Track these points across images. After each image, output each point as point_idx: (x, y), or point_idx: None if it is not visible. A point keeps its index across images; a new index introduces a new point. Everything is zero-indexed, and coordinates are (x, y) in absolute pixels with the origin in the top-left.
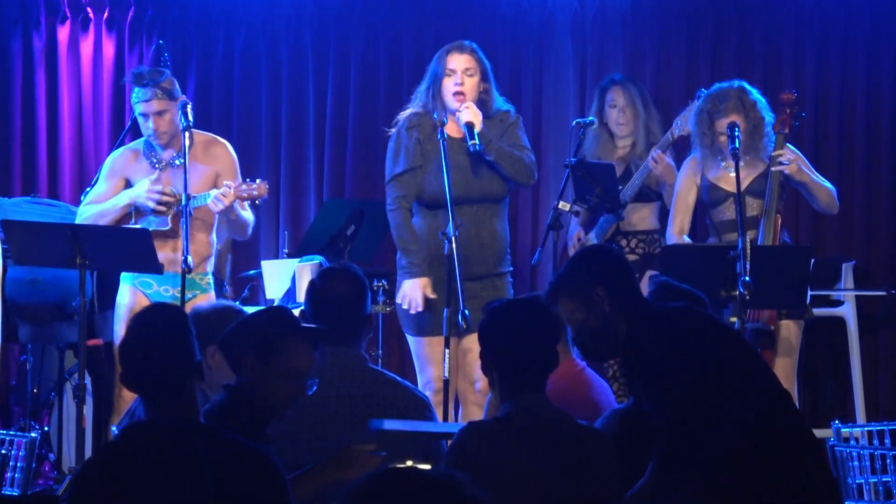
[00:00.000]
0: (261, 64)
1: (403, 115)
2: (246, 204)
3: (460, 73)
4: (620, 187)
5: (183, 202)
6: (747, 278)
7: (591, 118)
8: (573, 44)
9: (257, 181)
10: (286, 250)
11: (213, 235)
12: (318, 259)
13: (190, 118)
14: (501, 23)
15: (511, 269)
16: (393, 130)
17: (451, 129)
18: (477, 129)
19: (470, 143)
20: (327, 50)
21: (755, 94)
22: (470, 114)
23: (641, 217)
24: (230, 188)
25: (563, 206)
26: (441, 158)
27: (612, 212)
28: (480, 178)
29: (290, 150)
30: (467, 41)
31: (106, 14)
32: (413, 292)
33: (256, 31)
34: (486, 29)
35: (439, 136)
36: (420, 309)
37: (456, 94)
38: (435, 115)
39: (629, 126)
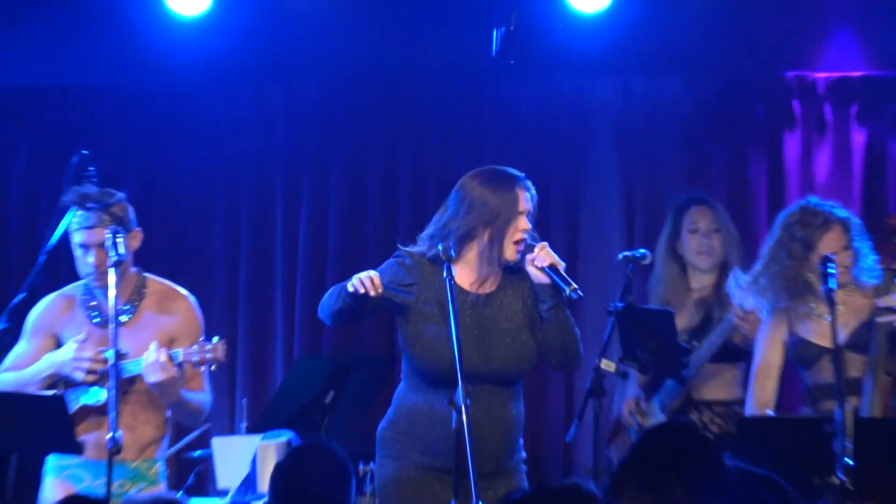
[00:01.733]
0: (216, 199)
1: (413, 249)
2: (204, 379)
3: (525, 214)
4: (694, 343)
5: (111, 361)
6: (849, 461)
7: (642, 251)
8: (618, 154)
9: (213, 340)
10: (245, 424)
11: (168, 412)
12: (286, 436)
13: (121, 250)
14: (520, 129)
15: (524, 455)
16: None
17: (462, 280)
18: (562, 269)
19: (569, 289)
20: (299, 181)
21: (854, 218)
22: (549, 255)
23: (720, 383)
24: (178, 353)
25: (607, 365)
26: (447, 309)
27: (671, 374)
28: (496, 350)
29: (250, 294)
30: (522, 173)
31: None
32: (364, 273)
33: (210, 162)
34: (497, 137)
35: (444, 276)
36: (379, 288)
37: (518, 242)
38: (440, 247)
39: (715, 257)
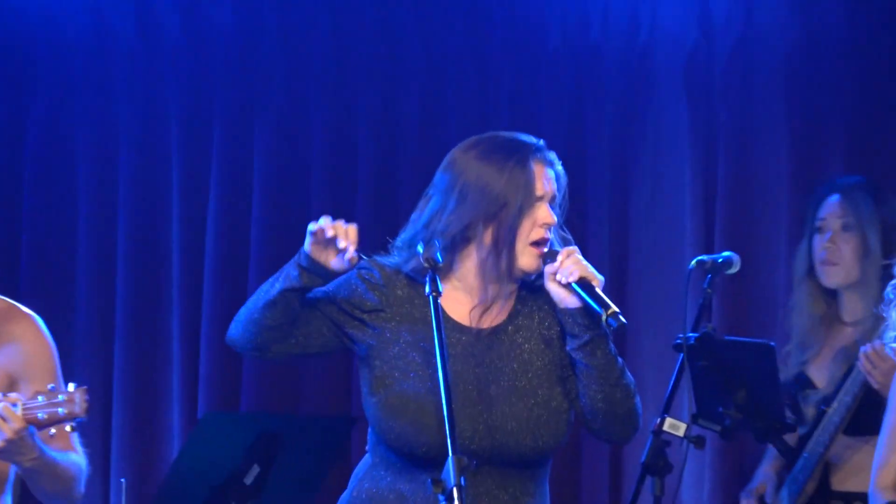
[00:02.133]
0: (79, 177)
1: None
2: (71, 436)
3: (545, 201)
4: (824, 407)
5: None
6: None
7: (726, 254)
8: (691, 112)
9: (69, 388)
10: None
11: (7, 497)
12: None
13: None
14: (542, 74)
15: None
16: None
17: (454, 309)
18: (598, 286)
19: (606, 314)
20: (205, 150)
21: None
22: (578, 264)
23: (870, 464)
24: (17, 406)
25: (672, 427)
26: (431, 349)
27: (772, 443)
28: (504, 417)
29: (133, 318)
30: (542, 141)
31: None
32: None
33: (70, 123)
34: (508, 85)
35: (427, 290)
36: (353, 244)
37: (538, 243)
38: (419, 249)
39: (844, 268)
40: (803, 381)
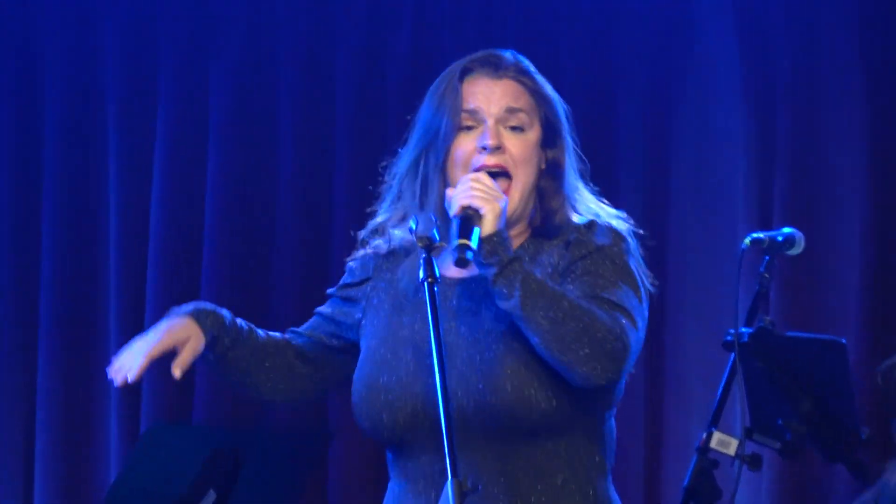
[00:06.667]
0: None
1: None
2: None
3: (492, 120)
4: None
5: None
6: None
7: (787, 231)
8: (743, 65)
9: None
10: None
11: None
12: None
13: None
14: (559, 16)
15: None
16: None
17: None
18: (487, 226)
19: (455, 244)
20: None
21: None
22: (470, 193)
23: None
24: None
25: (722, 443)
26: (402, 307)
27: (843, 461)
28: (483, 372)
29: (58, 303)
30: (508, 51)
31: None
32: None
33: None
34: (519, 28)
35: (421, 276)
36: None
37: (480, 168)
38: (413, 227)
39: None
40: None
